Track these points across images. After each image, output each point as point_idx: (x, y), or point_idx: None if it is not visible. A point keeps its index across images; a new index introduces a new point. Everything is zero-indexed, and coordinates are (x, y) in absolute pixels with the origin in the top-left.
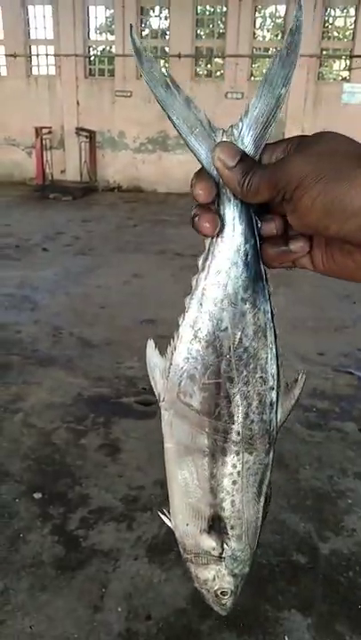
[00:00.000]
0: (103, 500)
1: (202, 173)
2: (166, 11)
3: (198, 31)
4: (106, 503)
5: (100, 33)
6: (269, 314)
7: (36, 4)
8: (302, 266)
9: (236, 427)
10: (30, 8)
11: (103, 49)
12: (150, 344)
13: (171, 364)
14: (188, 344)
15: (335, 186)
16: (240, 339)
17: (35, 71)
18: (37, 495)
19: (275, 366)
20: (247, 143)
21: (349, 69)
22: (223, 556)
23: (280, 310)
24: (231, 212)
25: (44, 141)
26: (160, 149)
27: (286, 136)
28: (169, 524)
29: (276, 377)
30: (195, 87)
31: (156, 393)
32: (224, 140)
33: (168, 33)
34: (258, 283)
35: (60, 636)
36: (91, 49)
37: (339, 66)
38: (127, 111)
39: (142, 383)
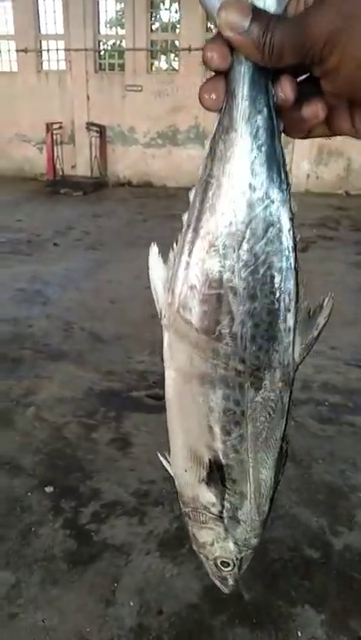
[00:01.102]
0: (115, 494)
1: (219, 36)
2: (176, 4)
3: (208, 24)
4: (117, 497)
5: (110, 27)
6: (287, 212)
7: None
8: (344, 133)
9: (241, 352)
10: (41, 3)
11: (113, 43)
12: (153, 250)
13: (173, 273)
14: (190, 246)
15: None
16: (246, 237)
17: (45, 66)
18: (49, 489)
19: (292, 282)
20: (269, 1)
21: None
22: (223, 515)
23: None
24: (240, 78)
25: (54, 136)
26: (170, 144)
27: None
28: (169, 469)
29: (293, 296)
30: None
31: (157, 309)
32: None
33: (178, 26)
34: (271, 168)
35: (72, 630)
36: (101, 43)
37: None
38: (137, 106)
39: (153, 377)
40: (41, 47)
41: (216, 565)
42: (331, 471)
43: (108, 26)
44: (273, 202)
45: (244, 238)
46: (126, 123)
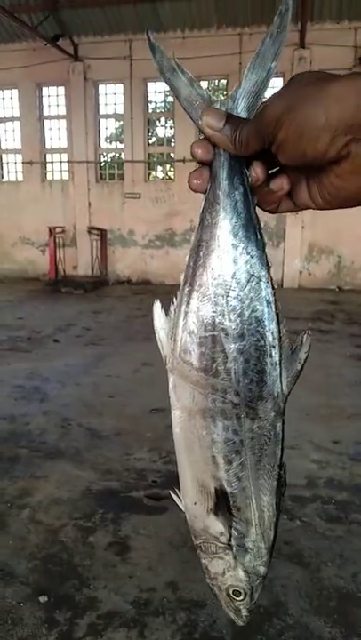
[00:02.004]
0: (113, 603)
1: (203, 138)
2: (171, 121)
3: (201, 137)
4: (116, 607)
5: (110, 142)
6: (265, 266)
7: (51, 118)
8: (305, 205)
9: (235, 385)
10: (46, 122)
11: (113, 155)
12: (157, 306)
13: (174, 323)
14: (187, 298)
15: (302, 109)
16: (232, 287)
17: (49, 176)
18: (43, 598)
19: (274, 323)
20: (241, 110)
21: None
22: (232, 543)
23: (292, 398)
24: (221, 165)
25: (57, 240)
26: (167, 245)
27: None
28: (180, 504)
29: (276, 335)
30: None
31: (162, 356)
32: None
33: (173, 140)
34: (249, 230)
35: None
36: (101, 156)
37: None
38: (136, 211)
39: (152, 476)
40: (45, 159)
41: (229, 595)
42: (342, 575)
43: (108, 140)
44: (252, 257)
45: (230, 287)
46: (126, 227)
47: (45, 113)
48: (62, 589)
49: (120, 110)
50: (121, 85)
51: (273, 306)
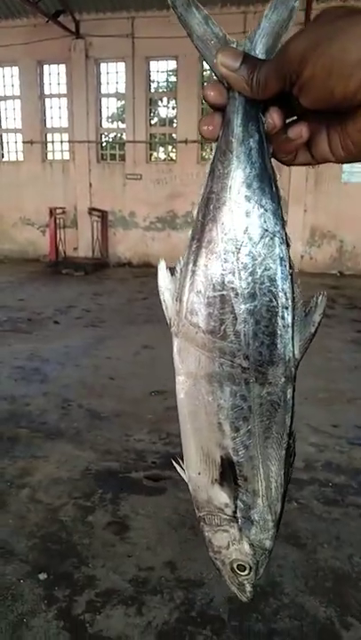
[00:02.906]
0: (111, 581)
1: (217, 81)
2: (173, 101)
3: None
4: (114, 585)
5: (112, 121)
6: (280, 221)
7: (52, 96)
8: (324, 158)
9: (244, 348)
10: (47, 100)
11: (115, 136)
12: (162, 264)
13: (180, 282)
14: (194, 255)
15: (332, 45)
16: (244, 242)
17: (50, 156)
18: (42, 576)
19: (288, 282)
20: (259, 52)
21: None
22: (237, 515)
23: None
24: (235, 110)
25: (57, 221)
26: (169, 227)
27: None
28: (183, 475)
29: (290, 295)
30: (200, 170)
31: (167, 319)
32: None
33: (175, 121)
34: (263, 181)
35: None
36: (103, 136)
37: None
38: (137, 193)
39: (152, 457)
40: (46, 139)
41: (233, 570)
42: (338, 556)
43: (109, 120)
44: (266, 210)
45: (242, 243)
46: (127, 208)
47: (46, 91)
48: (61, 567)
49: (122, 89)
50: (123, 64)
51: (287, 264)
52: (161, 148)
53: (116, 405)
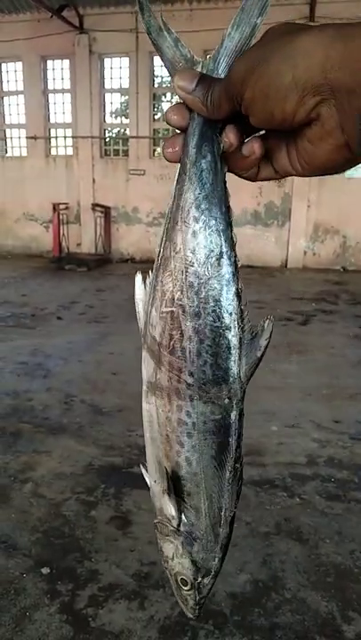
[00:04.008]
0: (114, 575)
1: (179, 104)
2: (177, 96)
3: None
4: (116, 579)
5: (116, 117)
6: (228, 241)
7: (56, 92)
8: (285, 172)
9: (189, 365)
10: (51, 96)
11: (118, 131)
12: (138, 277)
13: (148, 296)
14: (156, 271)
15: (267, 66)
16: (191, 262)
17: (53, 152)
18: (45, 570)
19: (234, 304)
20: (221, 71)
21: None
22: (181, 529)
23: (294, 378)
24: (192, 131)
25: (61, 216)
26: None
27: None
28: (147, 479)
29: (235, 317)
30: None
31: (140, 329)
32: (185, 67)
33: None
34: (212, 202)
35: None
36: (106, 131)
37: None
38: (140, 188)
39: None
40: (50, 134)
41: (177, 582)
42: (340, 551)
43: (113, 115)
44: (213, 232)
45: (189, 262)
46: (130, 204)
47: (50, 87)
48: (64, 562)
49: (125, 85)
50: (127, 59)
51: (233, 286)
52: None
53: (118, 401)
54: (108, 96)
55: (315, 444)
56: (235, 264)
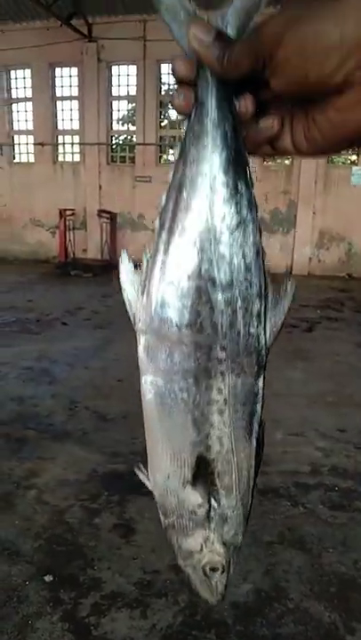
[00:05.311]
0: (116, 584)
1: (184, 56)
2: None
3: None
4: (119, 588)
5: (123, 124)
6: (254, 207)
7: (64, 99)
8: (284, 151)
9: (221, 339)
10: (59, 103)
11: (125, 138)
12: (125, 256)
13: (147, 275)
14: (165, 245)
15: (307, 26)
16: (222, 231)
17: (60, 158)
18: (48, 578)
19: (261, 270)
20: (230, 31)
21: (358, 154)
22: (211, 515)
23: (298, 385)
24: (208, 89)
25: (67, 222)
26: None
27: (298, 218)
28: (147, 482)
29: (262, 283)
30: None
31: (130, 316)
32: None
33: None
34: (239, 166)
35: None
36: (113, 138)
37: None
38: (146, 195)
39: None
40: (57, 141)
41: (205, 573)
42: (343, 561)
43: (120, 122)
44: (243, 198)
45: (220, 231)
46: (136, 210)
47: (58, 94)
48: (67, 569)
49: (133, 92)
50: (134, 67)
51: (261, 252)
52: (171, 151)
53: (123, 407)
54: (115, 103)
55: (319, 453)
56: (260, 230)
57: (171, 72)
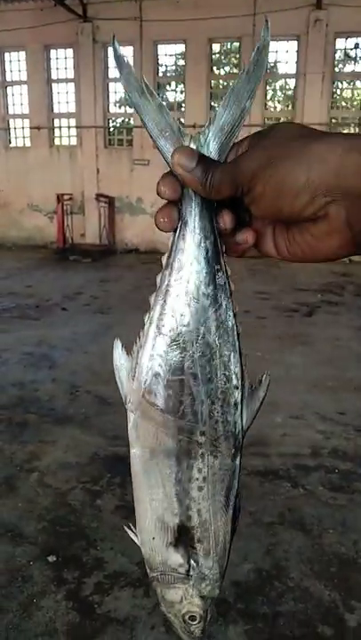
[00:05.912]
0: (119, 563)
1: (169, 173)
2: (182, 85)
3: (212, 103)
4: (122, 567)
5: (120, 106)
6: (231, 311)
7: (59, 81)
8: (268, 254)
9: (201, 426)
10: (54, 85)
11: (122, 121)
12: (117, 344)
13: (137, 363)
14: (153, 341)
15: (282, 166)
16: (203, 334)
17: (57, 142)
18: (52, 558)
19: (238, 365)
20: (212, 149)
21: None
22: (190, 574)
23: (298, 369)
24: (192, 210)
25: (65, 207)
26: None
27: None
28: (135, 540)
29: (239, 376)
30: None
31: (122, 395)
32: (184, 144)
33: (184, 105)
34: (219, 279)
35: None
36: (110, 121)
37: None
38: (145, 178)
39: None
40: (53, 125)
41: (185, 621)
42: (343, 542)
43: (117, 105)
44: (221, 305)
45: (201, 334)
46: (134, 194)
47: (53, 76)
48: (70, 550)
49: None
50: (130, 48)
51: (238, 350)
52: None
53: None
54: (112, 85)
55: (319, 436)
56: (237, 331)
57: (156, 193)
